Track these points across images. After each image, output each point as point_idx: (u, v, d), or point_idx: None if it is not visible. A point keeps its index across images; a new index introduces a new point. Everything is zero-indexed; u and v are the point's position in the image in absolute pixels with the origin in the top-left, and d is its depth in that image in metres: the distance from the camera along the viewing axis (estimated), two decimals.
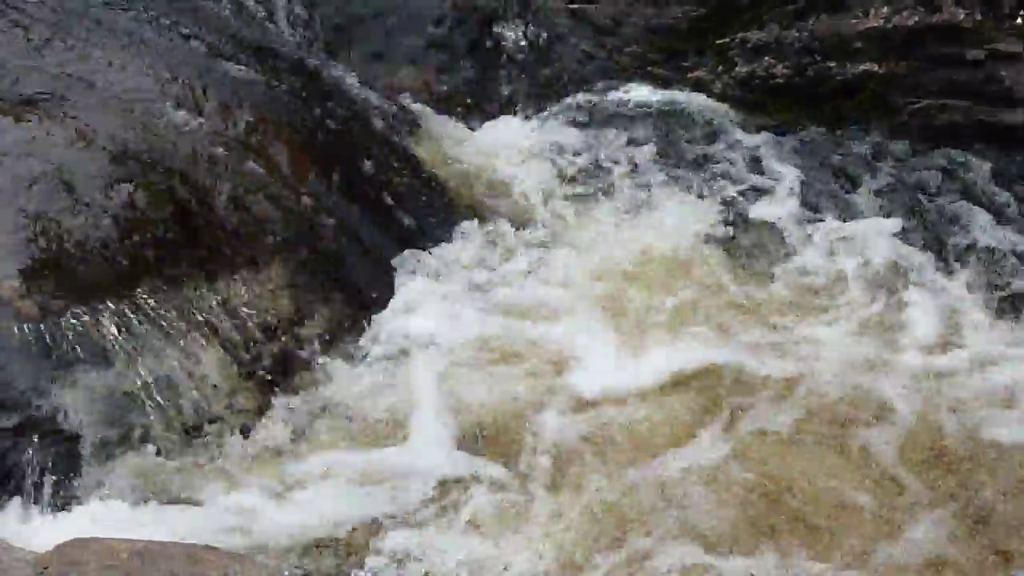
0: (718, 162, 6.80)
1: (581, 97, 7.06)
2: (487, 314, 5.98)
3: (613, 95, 7.06)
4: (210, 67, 6.40)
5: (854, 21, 6.84)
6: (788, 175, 6.70)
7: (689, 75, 7.06)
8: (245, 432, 5.45)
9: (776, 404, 5.56)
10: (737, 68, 6.99)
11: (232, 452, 5.37)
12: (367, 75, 7.01)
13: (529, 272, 6.20)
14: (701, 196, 6.61)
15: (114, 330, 5.31)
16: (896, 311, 6.04)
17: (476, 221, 6.43)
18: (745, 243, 6.44)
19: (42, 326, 5.18)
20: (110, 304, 5.37)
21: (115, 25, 6.40)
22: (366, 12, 7.26)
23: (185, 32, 6.57)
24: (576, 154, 6.78)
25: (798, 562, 4.92)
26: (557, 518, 5.09)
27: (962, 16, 6.71)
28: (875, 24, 6.81)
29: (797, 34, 6.94)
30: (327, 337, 5.83)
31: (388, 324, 5.94)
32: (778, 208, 6.57)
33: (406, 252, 6.21)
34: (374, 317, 5.95)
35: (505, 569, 4.90)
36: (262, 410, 5.53)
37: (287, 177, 6.16)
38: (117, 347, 5.28)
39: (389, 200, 6.40)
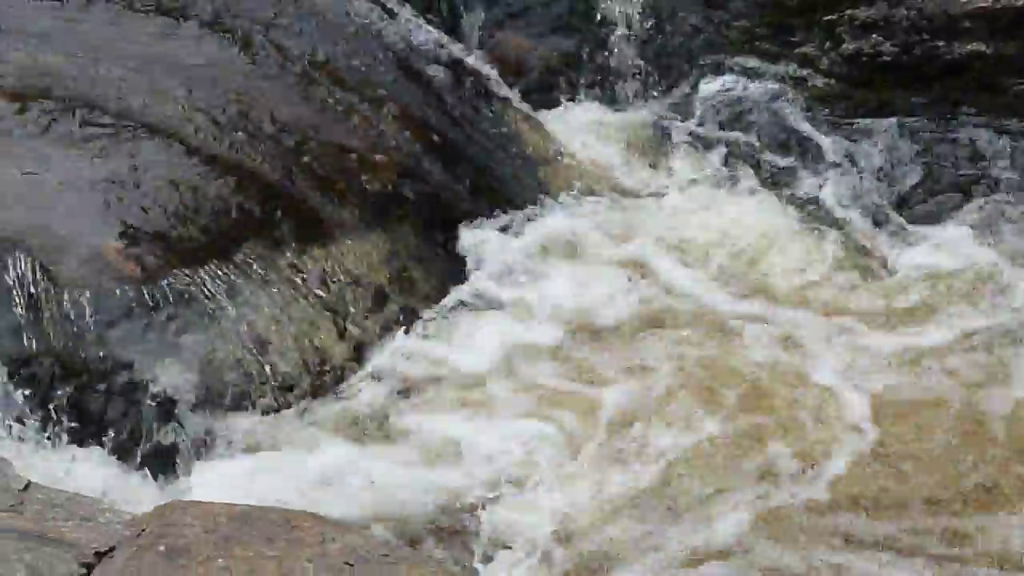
0: (821, 139, 6.63)
1: (688, 69, 6.91)
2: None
3: (720, 68, 6.90)
4: (309, 25, 6.37)
5: (963, 0, 6.66)
6: (892, 156, 6.55)
7: (796, 50, 6.90)
8: (346, 392, 5.36)
9: None
10: (844, 45, 6.84)
11: (332, 412, 5.28)
12: (468, 38, 6.92)
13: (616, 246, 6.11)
14: (799, 177, 6.49)
15: (217, 291, 5.24)
16: None
17: (572, 192, 6.37)
18: (848, 223, 6.33)
19: (144, 287, 5.13)
20: (213, 266, 5.31)
21: None
22: None
23: None
24: (680, 127, 6.66)
25: None
26: None
27: None
28: (984, 4, 6.65)
29: (905, 12, 6.77)
30: (426, 299, 5.75)
31: (485, 288, 5.86)
32: (880, 189, 6.42)
33: (500, 217, 6.15)
34: (470, 280, 5.89)
35: None
36: (363, 370, 5.45)
37: (388, 142, 6.08)
38: (219, 308, 5.22)
39: (484, 166, 6.35)
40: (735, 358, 5.48)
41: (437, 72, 6.52)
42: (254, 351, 5.24)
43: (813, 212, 6.37)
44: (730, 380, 5.35)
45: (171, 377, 5.08)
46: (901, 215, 6.38)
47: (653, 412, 5.21)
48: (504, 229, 6.12)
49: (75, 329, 4.99)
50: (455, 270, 5.92)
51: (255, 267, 5.38)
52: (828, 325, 5.70)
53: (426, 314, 5.71)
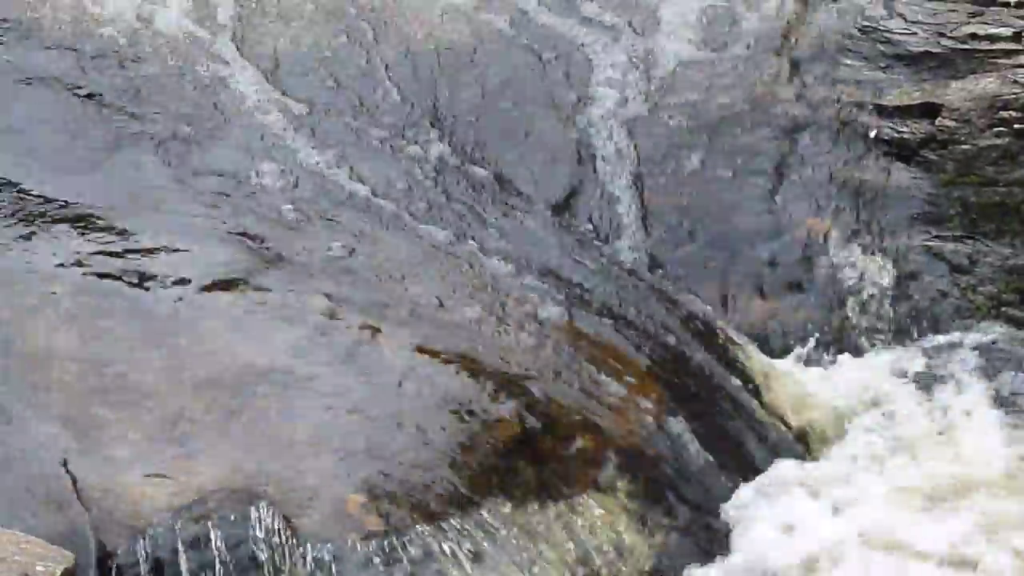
0: None
1: (934, 336, 6.60)
2: None
3: (966, 335, 6.56)
4: (555, 267, 6.32)
5: None
6: None
7: None
8: None
9: None
10: None
11: None
12: (708, 298, 6.72)
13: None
14: None
15: (458, 548, 5.03)
16: None
17: (817, 459, 6.02)
18: None
19: (386, 541, 4.94)
20: (454, 521, 5.10)
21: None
22: (703, 235, 6.98)
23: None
24: (928, 397, 6.29)
25: None
26: None
27: None
28: None
29: None
30: (671, 564, 5.44)
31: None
32: None
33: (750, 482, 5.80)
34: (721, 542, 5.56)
35: None
36: None
37: (630, 398, 5.85)
38: (460, 567, 5.00)
39: (730, 428, 6.04)
40: None
41: (681, 332, 6.33)
42: None
43: None
44: None
45: None
46: None
47: None
48: (767, 494, 5.77)
49: None
50: (712, 537, 5.60)
51: (497, 523, 5.16)
52: None
53: None
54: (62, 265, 5.95)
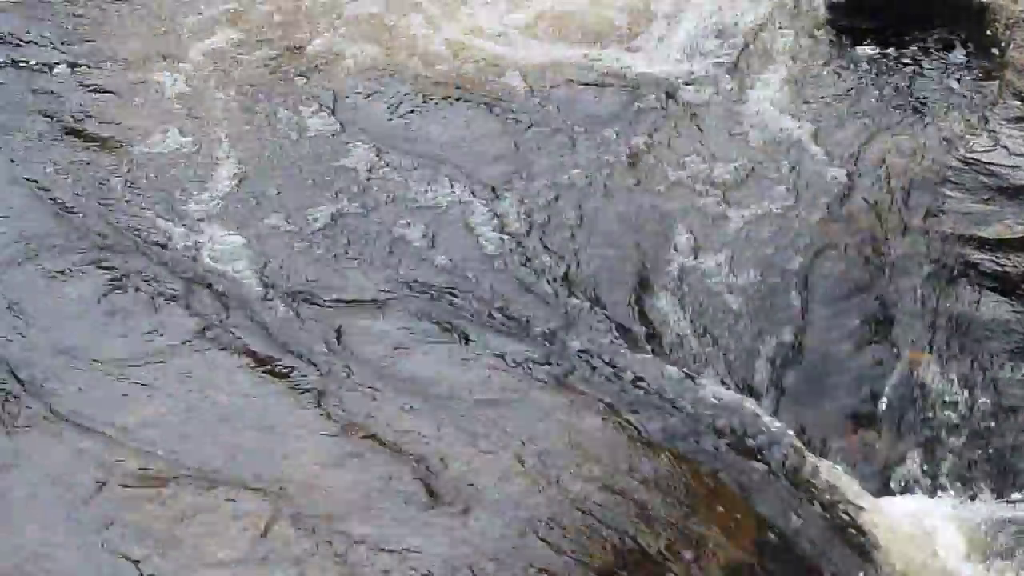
0: None
1: None
2: None
3: None
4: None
5: None
6: None
7: None
8: None
9: None
10: None
11: None
12: (806, 430, 6.60)
13: None
14: None
15: None
16: None
17: None
18: None
19: None
20: None
21: None
22: (802, 366, 6.87)
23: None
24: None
25: None
26: None
27: None
28: None
29: None
30: None
31: None
32: None
33: None
34: None
35: None
36: None
37: (716, 535, 5.73)
38: None
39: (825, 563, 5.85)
40: None
41: (765, 459, 6.22)
42: None
43: None
44: None
45: None
46: None
47: None
48: None
49: None
50: None
51: None
52: None
53: None
54: None
